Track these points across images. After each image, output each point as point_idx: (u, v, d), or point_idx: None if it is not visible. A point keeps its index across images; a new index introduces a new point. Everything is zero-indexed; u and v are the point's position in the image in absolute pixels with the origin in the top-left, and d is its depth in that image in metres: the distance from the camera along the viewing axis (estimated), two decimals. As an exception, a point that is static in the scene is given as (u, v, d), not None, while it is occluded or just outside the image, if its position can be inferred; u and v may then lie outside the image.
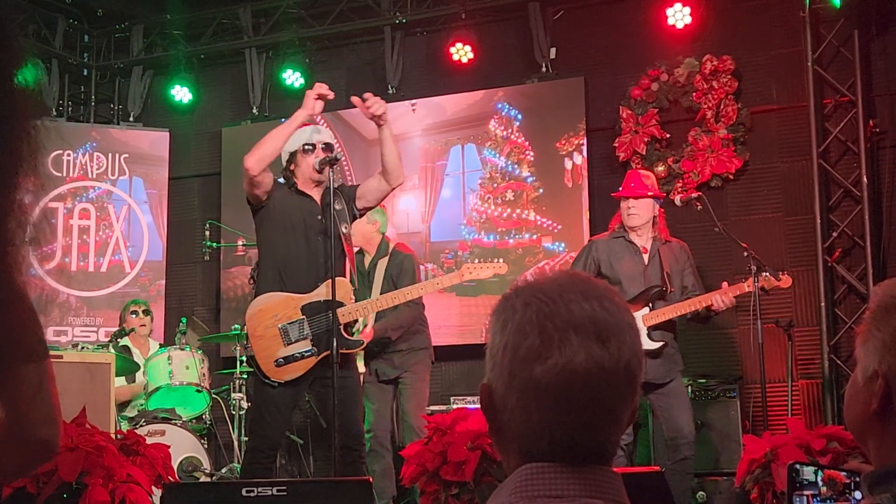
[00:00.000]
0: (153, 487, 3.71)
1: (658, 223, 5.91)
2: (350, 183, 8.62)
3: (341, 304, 4.80)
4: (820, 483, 2.08)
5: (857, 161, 7.32)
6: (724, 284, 5.73)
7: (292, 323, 4.80)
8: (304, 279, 4.86)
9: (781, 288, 5.88)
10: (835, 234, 7.34)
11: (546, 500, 1.27)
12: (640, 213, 5.82)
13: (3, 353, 2.05)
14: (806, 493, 2.07)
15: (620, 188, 5.97)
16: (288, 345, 4.78)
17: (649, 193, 5.83)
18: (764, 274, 5.69)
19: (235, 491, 3.32)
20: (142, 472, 3.63)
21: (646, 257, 5.82)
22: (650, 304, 5.70)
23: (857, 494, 1.98)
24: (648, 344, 5.57)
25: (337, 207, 4.87)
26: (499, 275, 5.59)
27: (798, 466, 2.07)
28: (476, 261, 5.54)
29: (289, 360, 4.75)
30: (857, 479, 1.96)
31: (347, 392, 4.76)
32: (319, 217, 4.90)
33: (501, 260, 5.72)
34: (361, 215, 5.22)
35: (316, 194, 4.99)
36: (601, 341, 1.28)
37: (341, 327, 4.74)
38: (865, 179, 7.24)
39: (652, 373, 5.53)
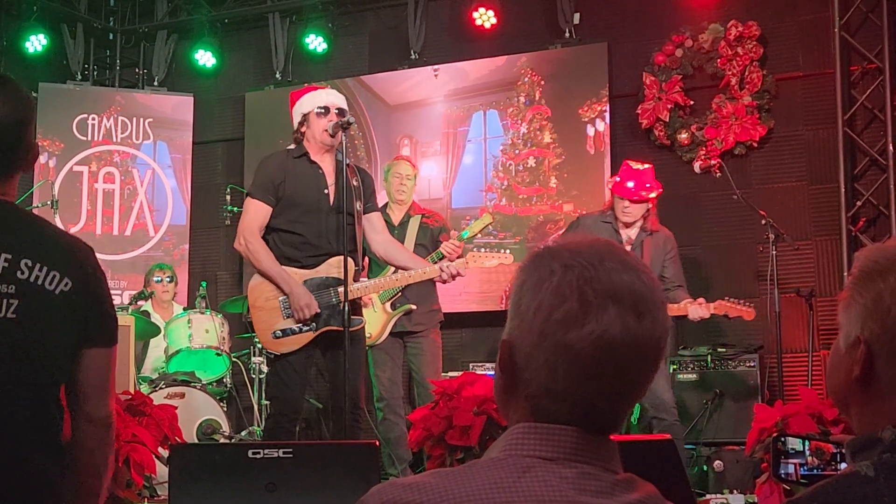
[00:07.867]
0: (160, 448, 3.75)
1: (650, 214, 5.79)
2: (374, 149, 8.64)
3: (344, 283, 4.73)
4: (807, 453, 2.07)
5: (883, 129, 7.17)
6: (701, 300, 5.63)
7: None
8: (311, 253, 4.78)
9: (744, 319, 5.82)
10: (859, 203, 7.22)
11: (533, 460, 1.28)
12: (634, 213, 5.72)
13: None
14: (793, 461, 2.07)
15: (618, 179, 5.81)
16: (287, 318, 4.72)
17: (651, 195, 5.70)
18: (728, 300, 5.66)
19: (242, 453, 3.33)
20: (147, 433, 3.66)
21: (628, 249, 5.70)
22: None
23: (844, 465, 1.97)
24: None
25: (354, 184, 4.78)
26: (504, 264, 5.40)
27: (783, 437, 2.06)
28: (482, 250, 5.43)
29: (286, 332, 4.70)
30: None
31: (352, 360, 4.71)
32: (326, 191, 4.82)
33: (508, 251, 5.62)
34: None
35: (326, 164, 4.90)
36: (637, 314, 1.29)
37: (344, 305, 4.63)
38: (892, 148, 7.08)
39: None
